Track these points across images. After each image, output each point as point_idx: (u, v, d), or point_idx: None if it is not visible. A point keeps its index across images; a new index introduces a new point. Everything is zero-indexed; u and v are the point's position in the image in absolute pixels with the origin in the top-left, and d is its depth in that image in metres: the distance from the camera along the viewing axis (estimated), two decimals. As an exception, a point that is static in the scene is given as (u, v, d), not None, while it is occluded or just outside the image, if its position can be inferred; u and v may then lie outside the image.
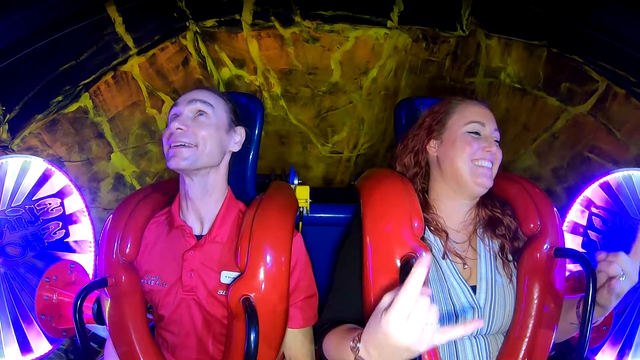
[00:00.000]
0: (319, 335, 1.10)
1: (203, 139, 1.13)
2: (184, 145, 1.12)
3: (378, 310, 0.75)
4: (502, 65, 1.92)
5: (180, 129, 1.12)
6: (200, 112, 1.17)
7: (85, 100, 1.72)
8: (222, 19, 1.87)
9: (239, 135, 1.25)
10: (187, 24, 1.85)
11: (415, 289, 0.70)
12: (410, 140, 1.23)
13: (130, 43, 1.74)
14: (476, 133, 1.13)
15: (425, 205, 1.13)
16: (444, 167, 1.15)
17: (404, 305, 0.71)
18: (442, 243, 1.11)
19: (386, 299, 0.76)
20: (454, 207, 1.15)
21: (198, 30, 1.89)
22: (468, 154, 1.10)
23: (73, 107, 1.69)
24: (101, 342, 1.50)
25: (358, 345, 0.81)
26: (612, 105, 1.63)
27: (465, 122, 1.14)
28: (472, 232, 1.16)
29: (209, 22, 1.87)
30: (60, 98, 1.63)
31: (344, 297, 1.09)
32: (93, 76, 1.70)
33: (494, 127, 1.15)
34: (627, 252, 0.96)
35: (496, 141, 1.14)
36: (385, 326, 0.72)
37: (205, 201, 1.19)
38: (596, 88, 1.66)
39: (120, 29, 1.69)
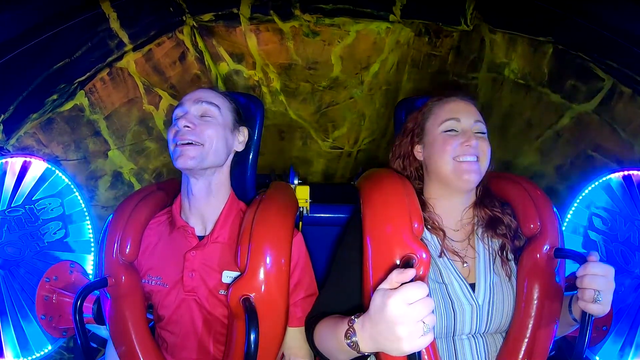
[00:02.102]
0: (308, 324, 1.10)
1: (210, 138, 1.14)
2: (191, 144, 1.12)
3: (379, 288, 0.80)
4: (507, 61, 1.88)
5: (188, 126, 1.13)
6: (207, 112, 1.17)
7: (80, 98, 1.70)
8: (220, 13, 1.83)
9: (243, 135, 1.27)
10: (184, 18, 1.82)
11: (426, 287, 0.75)
12: (397, 148, 1.24)
13: (125, 39, 1.71)
14: (452, 130, 1.12)
15: (422, 205, 1.12)
16: (430, 169, 1.16)
17: (411, 292, 0.75)
18: (439, 241, 1.11)
19: (394, 277, 0.80)
20: (449, 206, 1.16)
21: (195, 24, 1.85)
22: (448, 153, 1.10)
23: (68, 105, 1.67)
24: (101, 342, 1.51)
25: (356, 319, 0.84)
26: (617, 104, 1.60)
27: (440, 121, 1.14)
28: (470, 232, 1.16)
29: (206, 16, 1.83)
30: (55, 97, 1.61)
31: (339, 293, 1.10)
32: (88, 73, 1.67)
33: (473, 120, 1.13)
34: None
35: (480, 133, 1.13)
36: (387, 299, 0.75)
37: (209, 201, 1.20)
38: (602, 86, 1.63)
39: (114, 24, 1.66)
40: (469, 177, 1.09)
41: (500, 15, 1.80)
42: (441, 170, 1.12)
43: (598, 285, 0.91)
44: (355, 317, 0.85)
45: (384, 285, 0.80)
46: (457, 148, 1.09)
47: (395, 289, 0.77)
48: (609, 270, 0.92)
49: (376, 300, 0.78)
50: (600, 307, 0.92)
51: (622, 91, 1.57)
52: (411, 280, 0.79)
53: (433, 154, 1.14)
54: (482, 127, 1.14)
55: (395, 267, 0.94)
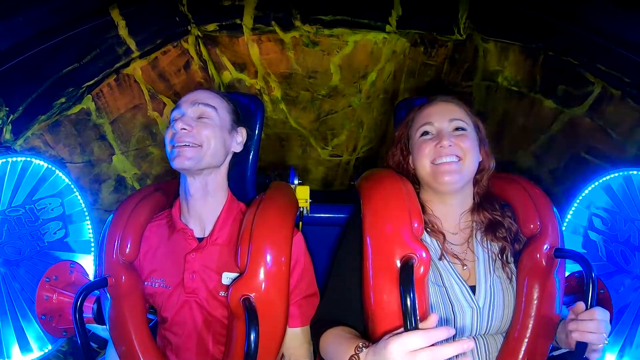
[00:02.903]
0: (314, 329, 1.11)
1: (207, 139, 1.15)
2: (188, 145, 1.13)
3: (393, 333, 0.84)
4: (500, 69, 1.93)
5: (185, 129, 1.14)
6: (204, 113, 1.18)
7: (87, 103, 1.73)
8: (224, 23, 1.89)
9: (241, 136, 1.27)
10: (189, 27, 1.88)
11: (435, 338, 0.78)
12: (390, 158, 1.27)
13: (132, 46, 1.76)
14: (428, 133, 1.14)
15: (422, 207, 1.13)
16: (417, 176, 1.18)
17: (413, 340, 0.78)
18: (438, 244, 1.12)
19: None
20: (446, 210, 1.16)
21: (200, 34, 1.91)
22: (425, 157, 1.11)
23: (76, 109, 1.70)
24: (101, 342, 1.49)
25: (363, 348, 0.88)
26: (608, 107, 1.63)
27: (416, 128, 1.16)
28: (469, 236, 1.16)
29: (211, 26, 1.89)
30: (63, 100, 1.64)
31: (341, 295, 1.10)
32: (96, 78, 1.71)
33: (447, 119, 1.13)
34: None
35: (459, 130, 1.13)
36: (391, 343, 0.78)
37: (207, 202, 1.20)
38: (592, 90, 1.66)
39: (123, 32, 1.71)
40: (448, 179, 1.08)
41: (493, 24, 1.85)
42: (422, 175, 1.14)
43: (606, 331, 0.94)
44: (362, 346, 0.88)
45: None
46: (433, 151, 1.10)
47: (398, 334, 0.80)
48: (607, 315, 0.97)
49: (382, 342, 0.82)
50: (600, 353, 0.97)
51: (611, 93, 1.60)
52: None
53: (415, 160, 1.16)
54: (459, 123, 1.13)
55: (396, 267, 0.96)
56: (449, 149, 1.09)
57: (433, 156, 1.10)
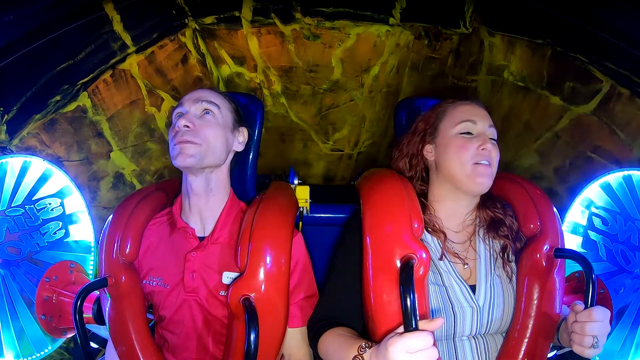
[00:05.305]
0: (313, 330, 1.11)
1: (209, 137, 1.14)
2: (190, 142, 1.12)
3: (394, 332, 0.84)
4: (506, 63, 1.89)
5: (187, 126, 1.13)
6: (207, 111, 1.17)
7: (83, 100, 1.70)
8: (222, 16, 1.85)
9: (242, 136, 1.27)
10: (186, 21, 1.84)
11: (431, 339, 0.79)
12: (405, 146, 1.23)
13: (128, 41, 1.72)
14: (468, 133, 1.11)
15: (423, 207, 1.12)
16: (441, 170, 1.15)
17: (413, 342, 0.78)
18: (439, 244, 1.11)
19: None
20: (454, 208, 1.15)
21: (197, 27, 1.87)
22: (465, 156, 1.09)
23: (71, 106, 1.68)
24: (102, 342, 1.50)
25: (367, 349, 0.88)
26: (616, 106, 1.61)
27: (455, 122, 1.13)
28: (472, 233, 1.16)
29: (208, 19, 1.85)
30: (58, 98, 1.61)
31: (340, 296, 1.10)
32: (91, 75, 1.68)
33: (488, 124, 1.13)
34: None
35: (492, 139, 1.12)
36: (391, 344, 0.79)
37: (209, 200, 1.20)
38: (600, 88, 1.63)
39: (118, 27, 1.67)
40: (483, 181, 1.08)
41: (499, 17, 1.80)
42: (455, 172, 1.10)
43: (597, 332, 0.92)
44: (366, 346, 0.88)
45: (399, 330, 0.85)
46: (474, 152, 1.08)
47: (400, 334, 0.80)
48: (607, 315, 0.93)
49: (383, 342, 0.82)
50: (597, 351, 0.93)
51: (620, 92, 1.57)
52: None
53: (448, 156, 1.12)
54: (494, 132, 1.14)
55: (396, 267, 0.95)
56: (488, 153, 1.08)
57: (475, 157, 1.08)
